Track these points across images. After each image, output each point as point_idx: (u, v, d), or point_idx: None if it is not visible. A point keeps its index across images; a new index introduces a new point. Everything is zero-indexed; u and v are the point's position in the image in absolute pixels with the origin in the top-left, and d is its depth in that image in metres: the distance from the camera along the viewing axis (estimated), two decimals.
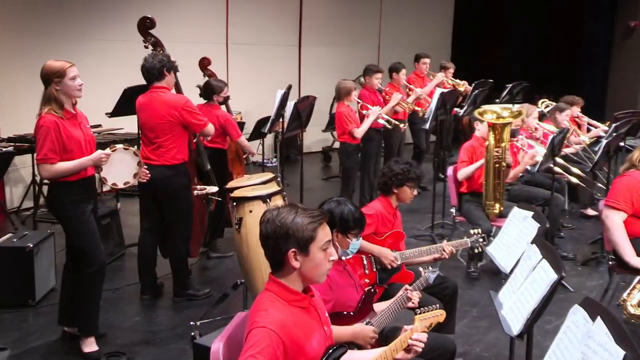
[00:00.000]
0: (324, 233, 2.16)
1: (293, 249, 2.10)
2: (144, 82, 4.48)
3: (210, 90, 5.45)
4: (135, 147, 4.35)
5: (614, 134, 5.53)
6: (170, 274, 4.75)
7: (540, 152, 5.31)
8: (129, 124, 6.55)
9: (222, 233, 5.79)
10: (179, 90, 4.89)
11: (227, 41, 9.53)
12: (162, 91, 4.40)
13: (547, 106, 7.84)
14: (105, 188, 6.66)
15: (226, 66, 9.42)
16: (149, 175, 4.00)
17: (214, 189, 5.01)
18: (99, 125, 7.03)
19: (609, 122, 7.11)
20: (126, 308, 4.59)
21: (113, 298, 4.72)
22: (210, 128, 4.58)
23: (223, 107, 5.63)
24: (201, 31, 9.04)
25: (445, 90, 6.60)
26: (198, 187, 4.92)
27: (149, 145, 4.45)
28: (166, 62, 4.38)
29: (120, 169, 3.79)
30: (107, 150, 3.71)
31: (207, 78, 5.87)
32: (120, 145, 3.83)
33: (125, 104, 5.47)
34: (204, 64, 5.97)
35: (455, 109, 7.77)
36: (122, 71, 7.01)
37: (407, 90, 7.47)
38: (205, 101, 5.49)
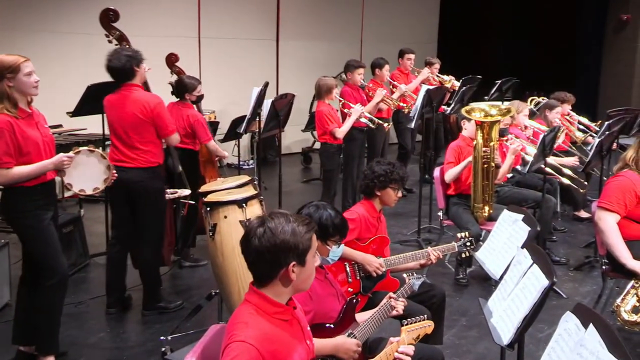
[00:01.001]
0: (315, 239, 2.18)
1: (293, 263, 2.09)
2: (109, 78, 4.44)
3: (182, 88, 5.42)
4: (101, 149, 4.31)
5: (607, 133, 5.61)
6: (139, 285, 4.71)
7: (526, 146, 5.37)
8: (92, 124, 6.48)
9: (195, 241, 5.75)
10: (147, 88, 4.86)
11: (199, 35, 9.50)
12: (135, 89, 4.36)
13: (536, 104, 7.92)
14: (68, 193, 6.58)
15: (198, 62, 9.39)
16: (116, 176, 3.96)
17: (186, 192, 4.99)
18: (60, 126, 6.95)
19: (600, 122, 7.22)
20: (90, 323, 4.53)
21: (76, 313, 4.65)
22: (175, 137, 4.54)
23: (195, 106, 5.62)
24: (170, 24, 9.00)
25: (432, 87, 6.65)
26: (168, 191, 4.89)
27: (122, 147, 4.40)
28: (133, 56, 4.34)
29: (87, 174, 3.75)
30: (70, 153, 3.66)
31: (175, 76, 5.83)
32: (84, 148, 3.79)
33: (89, 103, 5.41)
34: (171, 60, 5.93)
35: (442, 106, 7.83)
36: (85, 67, 6.96)
37: (391, 87, 7.51)
38: (177, 99, 5.46)
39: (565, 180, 5.78)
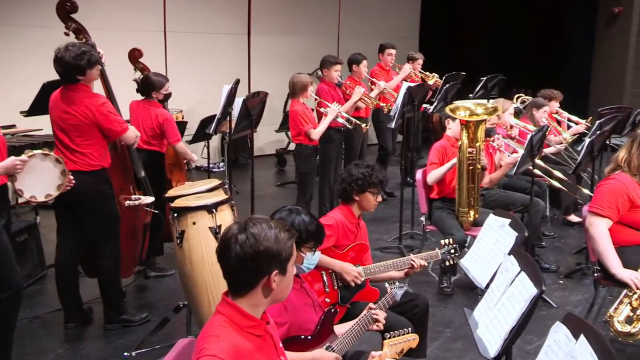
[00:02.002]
0: (294, 247, 2.18)
1: (276, 271, 2.09)
2: (54, 75, 4.39)
3: (149, 85, 5.39)
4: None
5: (598, 132, 5.69)
6: (99, 298, 4.66)
7: (510, 143, 5.43)
8: (49, 125, 6.38)
9: (162, 249, 5.71)
10: (106, 86, 4.80)
11: (165, 29, 9.44)
12: (78, 88, 4.31)
13: (522, 102, 8.01)
14: (22, 199, 6.49)
15: (164, 58, 9.34)
16: (73, 182, 3.91)
17: (149, 199, 4.94)
18: (13, 126, 6.84)
19: (590, 118, 7.32)
20: (47, 339, 4.47)
21: (31, 328, 4.59)
22: (131, 134, 4.47)
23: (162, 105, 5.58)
24: (134, 17, 8.93)
25: (413, 85, 6.69)
26: (132, 197, 4.84)
27: (63, 148, 4.35)
28: (88, 55, 4.27)
29: (40, 179, 3.70)
30: (23, 157, 3.61)
31: (138, 73, 5.79)
32: (38, 151, 3.73)
33: (45, 101, 5.33)
34: (134, 56, 5.88)
35: (424, 105, 7.87)
36: (41, 62, 6.83)
37: (370, 84, 7.53)
38: (143, 97, 5.42)
39: (556, 183, 5.84)
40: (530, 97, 7.86)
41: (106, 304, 4.61)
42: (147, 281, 5.49)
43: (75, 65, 4.21)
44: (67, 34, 4.86)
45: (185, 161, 5.85)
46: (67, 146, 4.33)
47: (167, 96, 5.54)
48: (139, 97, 5.48)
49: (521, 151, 5.50)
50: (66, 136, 4.33)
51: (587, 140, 5.52)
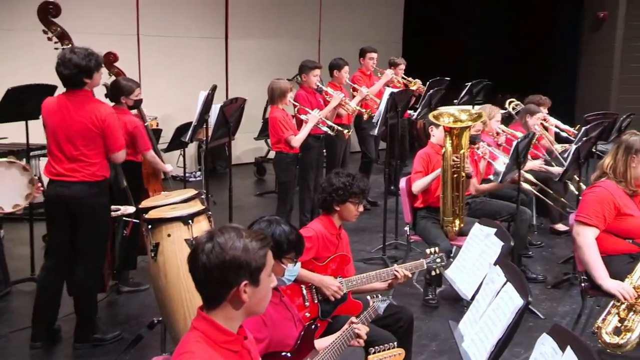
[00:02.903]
0: (270, 257, 2.17)
1: (245, 282, 2.08)
2: (37, 79, 4.36)
3: (118, 90, 5.36)
4: (24, 161, 4.22)
5: (584, 139, 5.76)
6: (70, 315, 4.60)
7: (501, 158, 5.47)
8: (14, 133, 6.32)
9: (135, 262, 5.67)
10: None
11: (138, 32, 9.40)
12: (84, 94, 4.29)
13: (514, 107, 8.04)
14: None
15: (138, 62, 9.30)
16: (42, 190, 3.88)
17: (131, 209, 4.92)
18: None
19: (578, 126, 7.40)
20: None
21: None
22: (122, 155, 4.47)
23: (134, 112, 5.55)
24: (106, 19, 8.89)
25: (396, 90, 6.71)
26: (112, 207, 4.82)
27: (63, 159, 4.30)
28: (95, 57, 4.26)
29: (5, 189, 3.66)
30: None
31: (113, 77, 5.77)
32: (3, 160, 3.70)
33: (10, 108, 5.27)
34: (109, 60, 5.86)
35: (408, 111, 7.92)
36: (12, 67, 6.82)
37: (352, 90, 7.55)
38: (113, 104, 5.39)
39: (536, 191, 5.92)
40: (519, 104, 7.91)
41: (80, 322, 4.54)
42: (120, 296, 5.43)
43: (86, 67, 4.20)
44: (49, 39, 4.82)
45: None
46: (70, 156, 4.28)
47: (138, 102, 5.50)
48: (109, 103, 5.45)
49: (506, 159, 5.55)
50: (72, 145, 4.27)
51: (574, 147, 5.58)
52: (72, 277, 4.60)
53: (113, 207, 4.83)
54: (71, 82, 4.23)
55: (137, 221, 4.89)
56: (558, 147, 7.13)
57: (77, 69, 4.17)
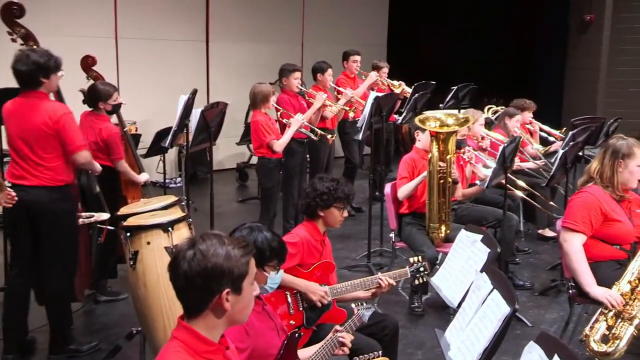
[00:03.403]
0: (253, 264, 2.18)
1: (227, 289, 2.08)
2: (2, 84, 4.32)
3: (95, 95, 5.33)
4: None
5: (571, 143, 5.81)
6: (44, 326, 4.55)
7: (487, 162, 5.51)
8: None
9: (115, 271, 5.63)
10: (60, 96, 4.75)
11: (116, 35, 9.36)
12: (38, 96, 4.25)
13: (494, 112, 8.13)
14: None
15: (116, 66, 9.25)
16: (12, 195, 3.84)
17: (104, 216, 4.88)
18: None
19: (564, 129, 7.47)
20: None
21: None
22: (84, 155, 4.38)
23: (114, 117, 5.53)
24: (82, 22, 8.84)
25: (381, 94, 6.73)
26: (83, 214, 4.78)
27: (22, 162, 4.27)
28: (54, 57, 4.22)
29: None
30: None
31: (91, 82, 5.74)
32: None
33: None
34: (87, 63, 5.83)
35: (393, 115, 7.95)
36: None
37: (336, 94, 7.57)
38: (91, 109, 5.36)
39: (523, 195, 5.96)
40: (503, 107, 7.99)
41: (54, 333, 4.50)
42: (97, 306, 5.40)
43: (45, 65, 4.16)
44: (13, 40, 4.78)
45: None
46: (30, 159, 4.24)
47: (117, 107, 5.47)
48: (86, 109, 5.41)
49: (487, 161, 5.59)
50: (28, 148, 4.24)
51: (561, 151, 5.62)
52: (40, 286, 4.56)
53: (86, 213, 4.80)
54: (27, 81, 4.19)
55: (112, 228, 4.86)
56: (539, 147, 7.19)
57: (35, 66, 4.13)
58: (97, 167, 4.65)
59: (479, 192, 5.67)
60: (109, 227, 4.89)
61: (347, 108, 7.25)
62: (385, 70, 8.56)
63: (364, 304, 3.25)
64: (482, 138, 6.42)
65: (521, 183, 6.36)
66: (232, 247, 2.10)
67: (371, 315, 3.24)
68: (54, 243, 4.37)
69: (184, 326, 2.12)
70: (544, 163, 7.09)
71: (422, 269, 3.88)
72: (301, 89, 6.91)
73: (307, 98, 6.99)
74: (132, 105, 8.07)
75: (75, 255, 4.55)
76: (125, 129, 5.62)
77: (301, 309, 3.61)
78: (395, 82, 8.45)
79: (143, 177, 5.65)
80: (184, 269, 2.06)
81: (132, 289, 3.99)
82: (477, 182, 6.00)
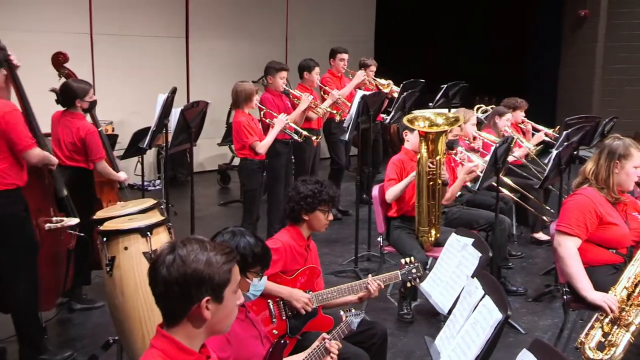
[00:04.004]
0: (237, 273, 2.17)
1: (207, 297, 2.07)
2: None
3: (71, 93, 5.30)
4: None
5: (566, 144, 5.85)
6: (14, 336, 4.50)
7: (480, 163, 5.53)
8: None
9: (89, 278, 5.61)
10: (20, 94, 4.70)
11: (91, 31, 9.32)
12: None
13: (484, 111, 8.16)
14: None
15: (91, 64, 9.22)
16: None
17: (73, 221, 4.85)
18: None
19: (558, 127, 7.52)
20: None
21: None
22: (34, 154, 4.30)
23: (89, 116, 5.50)
24: (55, 17, 8.80)
25: (368, 93, 6.75)
26: (53, 219, 4.74)
27: None
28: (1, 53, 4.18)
29: None
30: None
31: (63, 79, 5.71)
32: None
33: None
34: (58, 60, 5.79)
35: (381, 115, 7.96)
36: None
37: (322, 93, 7.57)
38: (65, 108, 5.33)
39: (516, 198, 5.99)
40: (493, 107, 8.02)
41: (22, 343, 4.44)
42: (72, 315, 5.36)
43: None
44: None
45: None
46: None
47: (93, 104, 5.45)
48: (60, 108, 5.38)
49: (478, 160, 5.60)
50: None
51: (554, 152, 5.66)
52: (2, 294, 4.51)
53: (55, 218, 4.76)
54: None
55: (82, 234, 4.81)
56: (530, 146, 7.23)
57: None
58: (54, 159, 4.58)
59: (461, 183, 5.61)
60: (79, 233, 4.85)
61: (334, 111, 7.25)
62: (373, 68, 8.55)
63: (353, 311, 3.25)
64: (474, 138, 6.44)
65: (514, 185, 6.40)
66: (214, 254, 2.09)
67: (359, 323, 3.24)
68: (7, 251, 4.29)
69: (163, 334, 2.12)
70: (530, 158, 7.13)
71: (414, 270, 3.88)
72: (286, 89, 6.90)
73: (292, 98, 6.98)
74: (108, 104, 8.08)
75: (34, 263, 4.45)
76: (100, 129, 5.59)
77: (284, 317, 3.61)
78: (383, 81, 8.46)
79: (123, 175, 5.64)
80: (163, 275, 2.06)
81: (109, 297, 3.98)
82: (469, 184, 6.03)
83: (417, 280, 3.88)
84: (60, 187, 4.93)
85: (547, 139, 7.53)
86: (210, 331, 2.15)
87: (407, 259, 3.95)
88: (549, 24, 13.02)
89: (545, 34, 13.10)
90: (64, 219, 4.79)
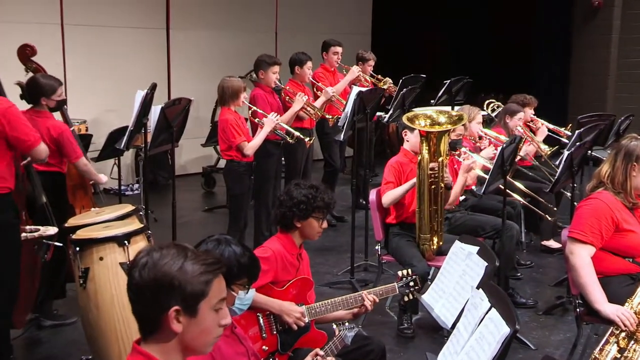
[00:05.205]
0: (219, 288, 2.15)
1: (176, 307, 2.06)
2: None
3: (37, 90, 5.27)
4: None
5: (578, 144, 5.86)
6: None
7: (478, 160, 5.53)
8: None
9: (63, 291, 5.59)
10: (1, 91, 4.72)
11: (62, 21, 9.29)
12: None
13: (493, 109, 8.19)
14: None
15: (62, 57, 9.19)
16: None
17: (52, 230, 4.84)
18: None
19: (570, 125, 7.54)
20: None
21: None
22: (43, 149, 4.40)
23: (57, 114, 5.49)
24: (21, 6, 8.76)
25: (365, 89, 6.75)
26: (27, 228, 4.73)
27: None
28: None
29: None
30: None
31: (30, 74, 5.70)
32: None
33: None
34: (25, 54, 5.79)
35: (378, 113, 7.97)
36: None
37: (314, 89, 7.58)
38: (31, 106, 5.31)
39: (523, 200, 5.98)
40: (502, 104, 8.03)
41: None
42: (41, 332, 5.32)
43: None
44: None
45: (91, 182, 5.76)
46: None
47: (61, 103, 5.43)
48: (26, 105, 5.36)
49: (477, 157, 5.60)
50: None
51: (566, 153, 5.66)
52: None
53: (31, 227, 4.75)
54: None
55: (60, 244, 4.80)
56: (545, 148, 7.25)
57: None
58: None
59: (463, 183, 5.61)
60: (57, 244, 4.84)
61: (329, 116, 7.23)
62: (372, 62, 8.57)
63: (347, 325, 3.25)
64: (480, 138, 6.45)
65: (523, 188, 6.41)
66: (193, 262, 2.09)
67: (355, 338, 3.25)
68: None
69: (138, 351, 2.12)
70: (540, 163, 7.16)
71: (412, 283, 3.90)
72: (278, 85, 6.89)
73: (284, 95, 6.98)
74: (81, 101, 8.09)
75: (16, 275, 4.47)
76: (72, 129, 5.58)
77: (275, 332, 3.61)
78: (381, 78, 8.47)
79: (104, 177, 5.64)
80: (136, 278, 2.08)
81: (83, 312, 3.98)
82: (474, 187, 6.05)
83: (415, 294, 3.89)
84: (39, 193, 4.92)
85: (561, 138, 7.54)
86: (184, 348, 2.14)
87: (405, 271, 3.96)
88: (559, 15, 13.04)
89: (555, 25, 13.12)
90: (40, 228, 4.78)
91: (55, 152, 5.21)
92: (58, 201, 5.25)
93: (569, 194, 6.31)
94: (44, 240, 4.79)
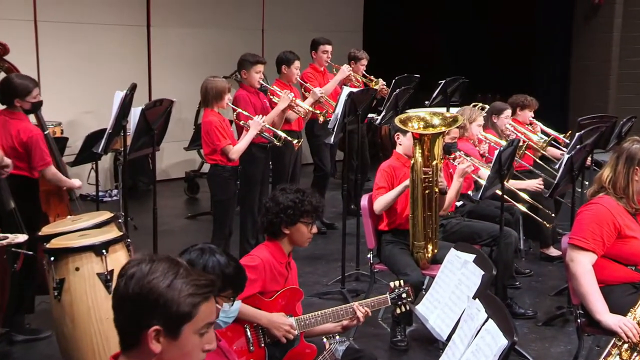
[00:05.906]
0: (207, 312, 2.11)
1: (156, 327, 2.04)
2: None
3: (10, 91, 5.26)
4: None
5: (578, 147, 5.88)
6: None
7: (476, 163, 5.54)
8: None
9: (33, 304, 5.55)
10: None
11: (35, 17, 9.26)
12: None
13: (481, 109, 8.17)
14: None
15: (35, 56, 9.15)
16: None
17: (22, 237, 4.81)
18: None
19: (570, 132, 7.55)
20: None
21: None
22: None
23: (32, 117, 5.47)
24: None
25: (356, 90, 6.75)
26: None
27: None
28: None
29: None
30: None
31: (3, 73, 5.68)
32: None
33: None
34: None
35: (370, 115, 7.98)
36: None
37: (303, 90, 7.58)
38: (4, 107, 5.29)
39: (523, 208, 5.98)
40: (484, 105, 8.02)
41: None
42: (12, 348, 5.27)
43: None
44: None
45: (65, 188, 5.73)
46: None
47: (36, 105, 5.42)
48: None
49: (482, 169, 5.62)
50: None
51: (566, 156, 5.68)
52: None
53: None
54: None
55: (31, 253, 4.78)
56: (538, 139, 7.24)
57: None
58: (7, 160, 4.57)
59: (458, 187, 5.62)
60: (27, 252, 4.81)
61: (317, 111, 7.22)
62: (364, 62, 8.56)
63: (337, 338, 3.26)
64: (480, 141, 6.46)
65: (521, 193, 6.42)
66: (184, 281, 2.06)
67: (346, 352, 3.25)
68: None
69: None
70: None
71: (404, 295, 3.89)
72: (263, 85, 6.88)
73: (270, 96, 6.97)
74: (56, 103, 8.04)
75: None
76: (46, 132, 5.56)
77: (263, 345, 3.61)
78: (373, 78, 8.47)
79: (77, 182, 5.60)
80: (121, 288, 2.07)
81: (57, 325, 3.96)
82: (470, 192, 6.05)
83: (408, 305, 3.89)
84: (7, 198, 4.90)
85: (559, 146, 7.54)
86: None
87: (397, 282, 3.96)
88: (559, 12, 13.09)
89: (556, 24, 13.18)
90: (9, 235, 4.75)
91: (23, 155, 5.18)
92: (28, 207, 5.22)
93: (568, 203, 6.33)
94: (13, 249, 4.77)
